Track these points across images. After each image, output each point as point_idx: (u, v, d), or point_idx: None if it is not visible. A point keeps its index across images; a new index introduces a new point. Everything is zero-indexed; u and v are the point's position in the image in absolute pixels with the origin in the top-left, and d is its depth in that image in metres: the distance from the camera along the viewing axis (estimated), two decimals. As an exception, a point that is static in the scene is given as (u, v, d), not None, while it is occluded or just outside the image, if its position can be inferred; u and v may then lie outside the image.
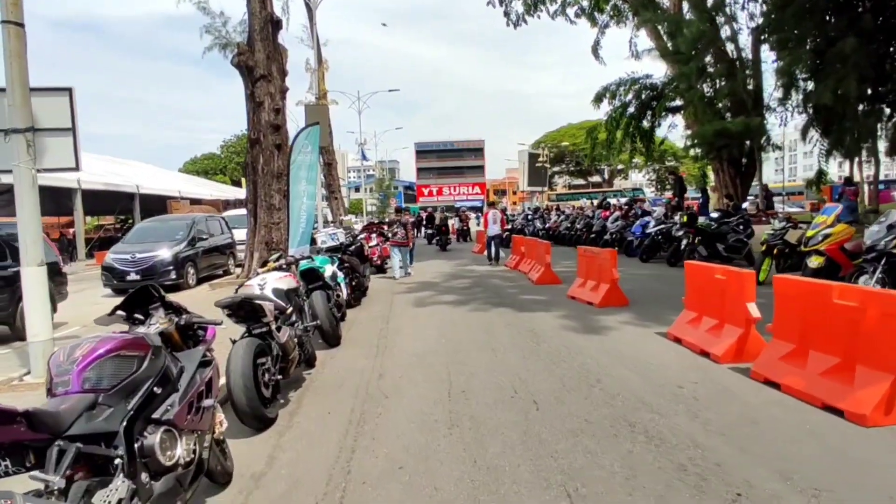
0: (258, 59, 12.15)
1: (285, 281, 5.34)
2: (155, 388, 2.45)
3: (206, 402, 2.79)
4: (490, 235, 15.90)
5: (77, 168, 5.87)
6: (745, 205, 15.85)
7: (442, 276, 13.50)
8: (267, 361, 4.32)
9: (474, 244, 21.38)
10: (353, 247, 10.65)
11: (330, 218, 26.48)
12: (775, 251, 9.90)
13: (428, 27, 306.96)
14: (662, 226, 14.57)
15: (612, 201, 23.88)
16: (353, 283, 9.58)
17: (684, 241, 12.97)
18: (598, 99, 24.66)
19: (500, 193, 79.10)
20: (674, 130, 25.61)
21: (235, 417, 4.01)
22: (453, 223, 36.39)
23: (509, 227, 24.50)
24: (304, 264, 6.78)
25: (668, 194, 50.02)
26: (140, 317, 2.97)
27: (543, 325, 7.41)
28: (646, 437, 3.73)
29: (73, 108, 5.81)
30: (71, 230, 28.15)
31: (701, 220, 14.05)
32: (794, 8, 15.59)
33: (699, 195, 24.46)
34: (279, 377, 4.46)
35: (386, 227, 16.42)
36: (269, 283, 5.14)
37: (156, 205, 27.32)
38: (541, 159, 50.96)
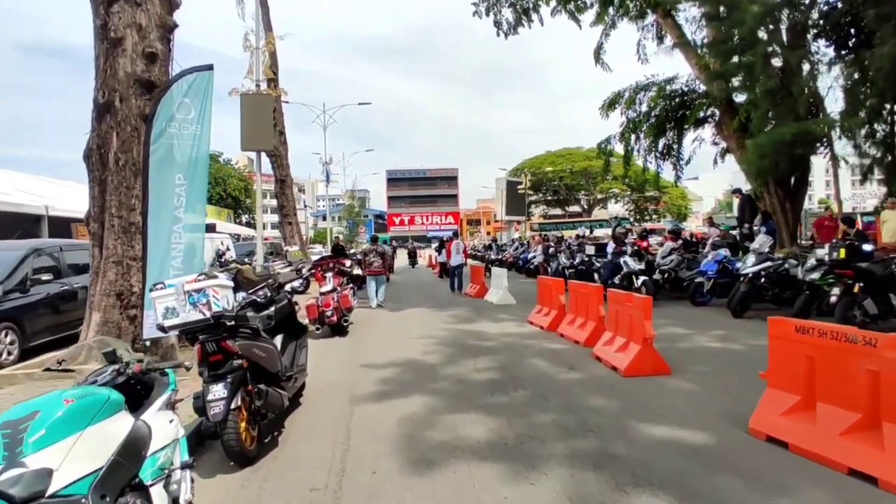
0: (117, -38, 6.53)
1: None
2: None
3: None
4: (453, 265, 15.78)
5: None
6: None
7: (438, 349, 7.83)
8: None
9: (468, 283, 15.84)
10: (274, 308, 4.97)
11: (284, 247, 20.62)
12: None
13: (399, 63, 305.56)
14: (769, 263, 9.32)
15: (627, 229, 18.73)
16: (256, 406, 3.88)
17: (835, 290, 7.70)
18: (611, 105, 19.81)
19: (474, 223, 74.12)
20: (699, 146, 20.62)
21: None
22: (433, 255, 30.83)
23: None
24: None
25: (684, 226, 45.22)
26: None
27: None
28: None
29: None
30: None
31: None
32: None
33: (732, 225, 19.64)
34: None
35: (348, 263, 10.75)
36: None
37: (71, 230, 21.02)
38: (521, 186, 46.31)
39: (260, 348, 4.00)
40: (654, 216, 58.74)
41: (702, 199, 73.86)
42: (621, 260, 11.41)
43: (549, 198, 61.02)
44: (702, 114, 18.60)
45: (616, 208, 62.04)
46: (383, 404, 5.22)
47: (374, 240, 14.07)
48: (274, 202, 24.11)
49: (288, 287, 5.43)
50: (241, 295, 5.22)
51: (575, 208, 60.24)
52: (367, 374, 6.39)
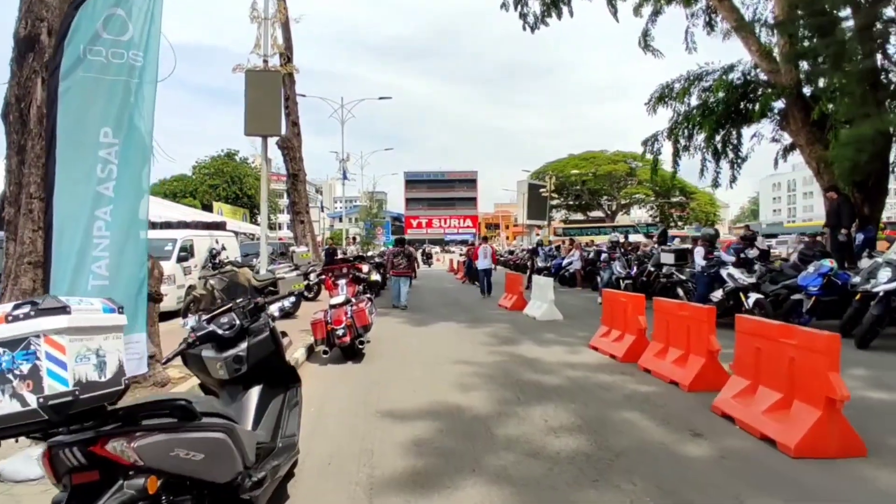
0: None
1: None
2: None
3: None
4: (481, 269, 15.61)
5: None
6: None
7: (484, 386, 5.76)
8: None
9: (498, 290, 13.74)
10: (248, 344, 3.03)
11: (291, 248, 18.73)
12: None
13: (416, 64, 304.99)
14: (911, 279, 7.09)
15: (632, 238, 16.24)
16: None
17: None
18: (661, 100, 17.58)
19: (492, 227, 71.85)
20: (759, 142, 18.20)
21: None
22: (458, 259, 28.84)
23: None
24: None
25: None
26: None
27: None
28: None
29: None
30: None
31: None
32: None
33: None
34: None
35: (365, 268, 8.77)
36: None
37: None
38: (544, 190, 44.10)
39: (190, 444, 1.97)
40: (680, 223, 56.00)
41: (728, 205, 70.91)
42: (724, 272, 9.11)
43: (572, 202, 58.58)
44: (772, 104, 16.25)
45: (640, 214, 59.47)
46: (419, 500, 3.18)
47: (400, 241, 14.06)
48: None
49: (274, 309, 3.40)
50: (199, 319, 3.24)
51: (597, 213, 57.76)
52: (390, 433, 4.35)
